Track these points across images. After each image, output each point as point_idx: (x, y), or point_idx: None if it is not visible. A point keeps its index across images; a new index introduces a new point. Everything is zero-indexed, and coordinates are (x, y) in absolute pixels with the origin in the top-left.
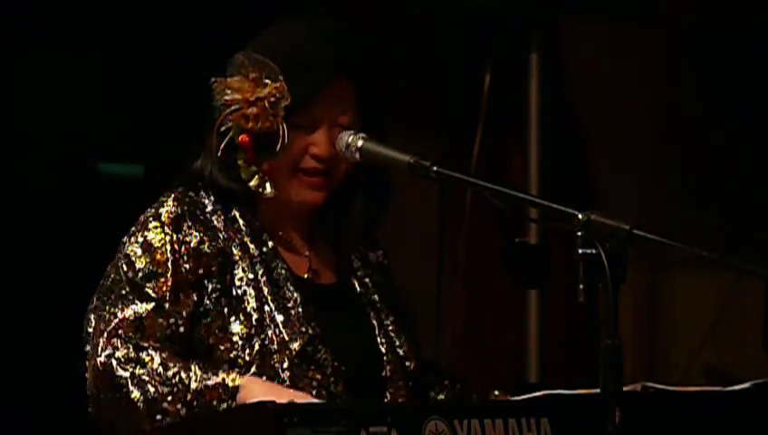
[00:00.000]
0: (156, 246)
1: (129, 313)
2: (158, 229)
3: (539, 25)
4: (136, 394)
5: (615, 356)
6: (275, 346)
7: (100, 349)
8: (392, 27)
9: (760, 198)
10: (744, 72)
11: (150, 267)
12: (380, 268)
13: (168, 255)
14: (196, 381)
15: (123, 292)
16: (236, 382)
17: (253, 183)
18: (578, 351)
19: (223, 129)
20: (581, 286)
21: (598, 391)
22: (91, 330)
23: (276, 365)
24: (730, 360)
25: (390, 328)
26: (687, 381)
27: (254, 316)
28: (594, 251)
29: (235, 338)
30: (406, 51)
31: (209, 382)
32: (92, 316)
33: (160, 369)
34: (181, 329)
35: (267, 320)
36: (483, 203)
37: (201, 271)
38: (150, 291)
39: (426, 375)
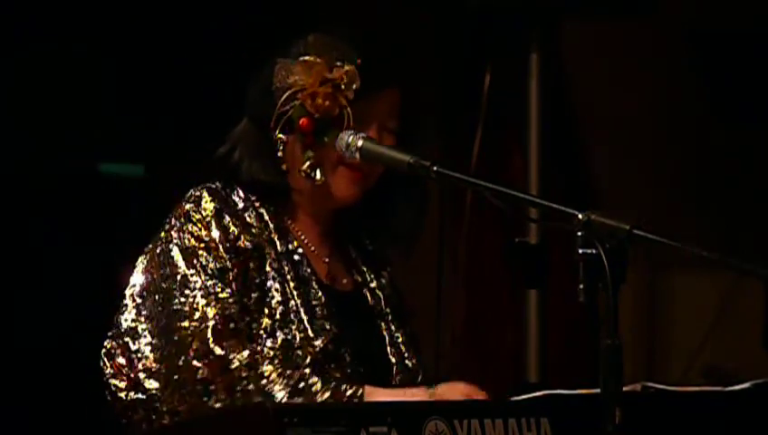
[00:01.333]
0: (207, 240)
1: (218, 308)
2: (204, 224)
3: (539, 25)
4: (264, 401)
5: (615, 356)
6: (298, 341)
7: (210, 344)
8: (392, 27)
9: (760, 198)
10: (744, 72)
11: (217, 263)
12: (390, 283)
13: (222, 252)
14: (322, 388)
15: (198, 285)
16: (359, 391)
17: (305, 166)
18: (578, 351)
19: (282, 110)
20: (581, 286)
21: (598, 391)
22: (151, 325)
23: (298, 360)
24: (730, 360)
25: (400, 340)
26: (687, 381)
27: (279, 310)
28: (594, 251)
29: (260, 331)
30: (406, 51)
31: (337, 388)
32: (156, 309)
33: (284, 380)
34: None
35: (292, 315)
36: (483, 203)
37: (244, 265)
38: (226, 286)
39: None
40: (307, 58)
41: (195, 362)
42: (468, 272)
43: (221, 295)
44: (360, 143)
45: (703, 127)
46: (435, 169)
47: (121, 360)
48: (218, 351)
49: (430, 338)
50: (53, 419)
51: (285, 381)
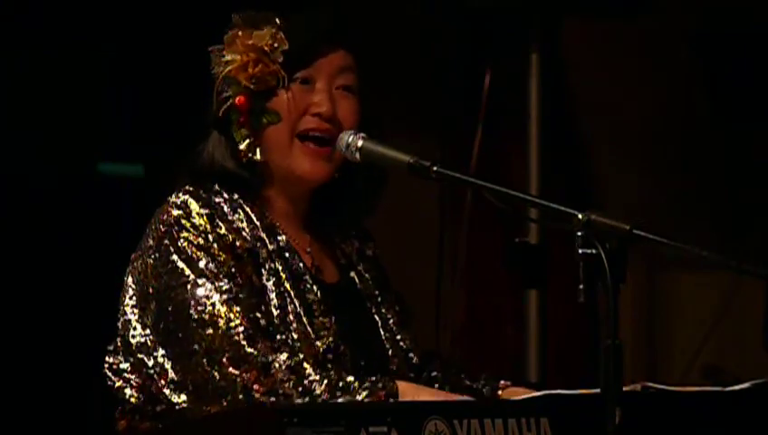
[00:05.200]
0: (206, 247)
1: (242, 312)
2: (199, 231)
3: (539, 25)
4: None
5: (615, 356)
6: (299, 343)
7: (247, 349)
8: (392, 27)
9: (760, 198)
10: (744, 72)
11: (224, 268)
12: (374, 261)
13: (225, 257)
14: (359, 387)
15: (212, 292)
16: (394, 389)
17: (243, 146)
18: (578, 351)
19: (222, 96)
20: (581, 286)
21: (598, 391)
22: (162, 336)
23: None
24: (730, 360)
25: (391, 321)
26: (687, 381)
27: (276, 312)
28: (594, 251)
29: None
30: (406, 51)
31: (374, 386)
32: (166, 320)
33: (324, 380)
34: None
35: (291, 315)
36: (483, 203)
37: (243, 269)
38: (241, 288)
39: (430, 366)
40: (231, 33)
41: (232, 370)
42: (468, 272)
43: (240, 299)
44: (359, 143)
45: (703, 127)
46: (435, 169)
47: (136, 376)
48: (255, 355)
49: (430, 338)
50: (53, 419)
51: (326, 383)
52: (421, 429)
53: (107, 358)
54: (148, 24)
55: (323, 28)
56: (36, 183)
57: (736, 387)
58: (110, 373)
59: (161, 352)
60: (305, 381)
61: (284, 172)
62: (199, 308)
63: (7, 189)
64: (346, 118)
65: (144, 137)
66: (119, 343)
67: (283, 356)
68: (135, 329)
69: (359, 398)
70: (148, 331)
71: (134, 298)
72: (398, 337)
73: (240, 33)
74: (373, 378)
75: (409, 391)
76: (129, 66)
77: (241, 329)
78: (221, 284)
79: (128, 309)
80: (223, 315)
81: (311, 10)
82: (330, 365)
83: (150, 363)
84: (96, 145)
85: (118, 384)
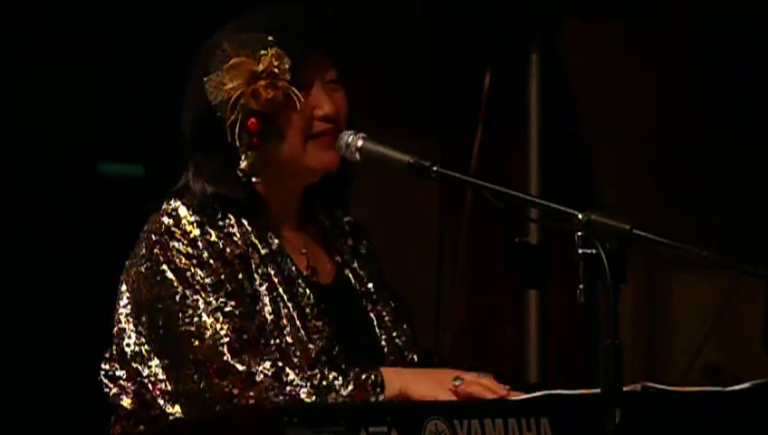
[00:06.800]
0: (196, 256)
1: (228, 323)
2: (189, 240)
3: (539, 25)
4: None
5: (615, 356)
6: (294, 346)
7: (230, 361)
8: (392, 27)
9: (760, 198)
10: (744, 72)
11: (213, 277)
12: (369, 257)
13: (214, 265)
14: (343, 382)
15: (200, 303)
16: (379, 377)
17: (243, 165)
18: (578, 351)
19: (228, 123)
20: (581, 286)
21: (598, 391)
22: (155, 346)
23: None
24: (730, 360)
25: (387, 318)
26: (687, 381)
27: (270, 317)
28: (594, 251)
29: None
30: (406, 51)
31: (357, 378)
32: (158, 331)
33: (307, 382)
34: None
35: (285, 320)
36: (483, 203)
37: (234, 276)
38: (228, 298)
39: (428, 364)
40: (232, 61)
41: (217, 380)
42: (468, 272)
43: (226, 310)
44: (359, 143)
45: (703, 127)
46: (435, 169)
47: (131, 384)
48: (239, 366)
49: (430, 338)
50: (53, 420)
51: (309, 384)
52: (421, 429)
53: (103, 365)
54: (149, 24)
55: (310, 32)
56: (36, 183)
57: (736, 387)
58: (105, 380)
59: (155, 361)
60: (288, 388)
61: (296, 169)
62: (187, 320)
63: (7, 189)
64: (340, 110)
65: (144, 137)
66: (114, 351)
67: (267, 365)
68: (130, 338)
69: (344, 393)
70: (142, 340)
71: (128, 307)
72: (394, 334)
73: (243, 59)
74: (356, 369)
75: (393, 377)
76: (129, 66)
77: (226, 340)
78: (209, 295)
79: (122, 317)
80: (209, 327)
81: (291, 14)
82: (322, 367)
83: (145, 373)
84: (96, 145)
85: (114, 391)
